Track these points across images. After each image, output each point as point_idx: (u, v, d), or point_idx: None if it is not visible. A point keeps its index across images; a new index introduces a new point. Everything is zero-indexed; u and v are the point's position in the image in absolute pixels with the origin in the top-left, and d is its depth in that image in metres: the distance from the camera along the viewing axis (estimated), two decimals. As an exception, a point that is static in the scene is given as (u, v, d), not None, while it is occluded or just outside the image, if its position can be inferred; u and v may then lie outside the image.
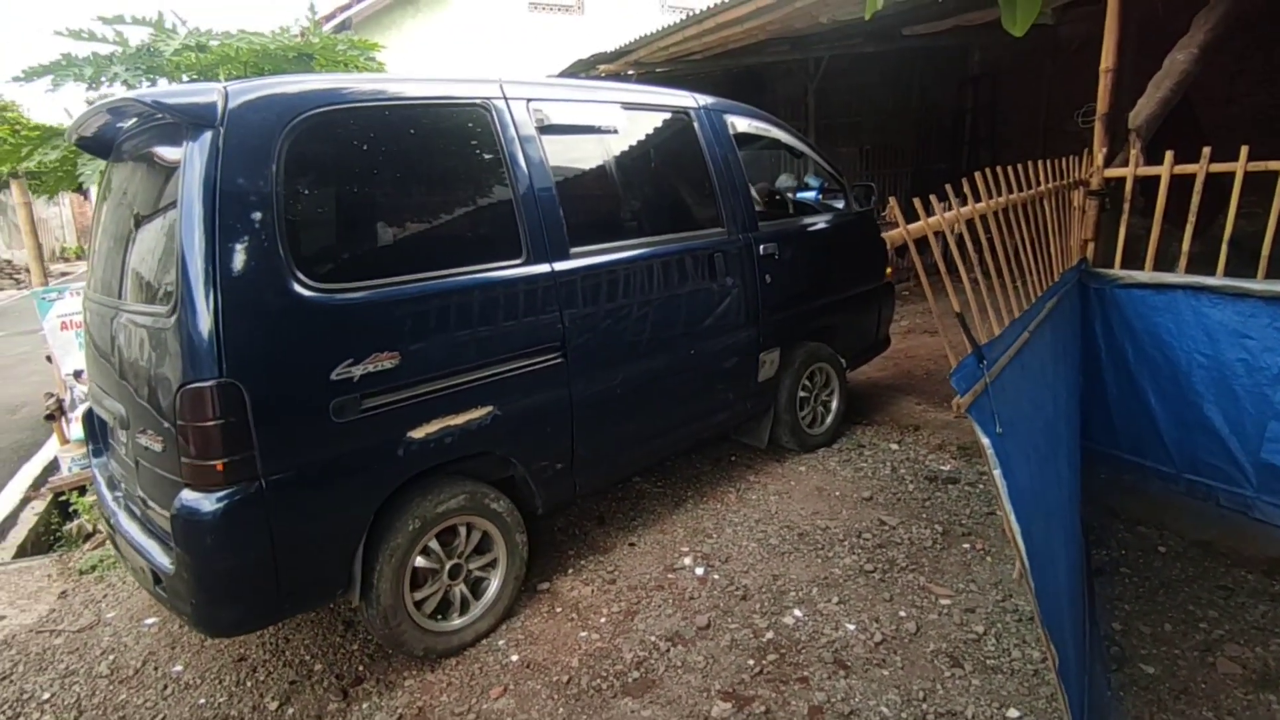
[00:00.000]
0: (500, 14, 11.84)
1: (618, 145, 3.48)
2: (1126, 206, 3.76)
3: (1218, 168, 3.40)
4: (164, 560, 2.41)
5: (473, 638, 2.89)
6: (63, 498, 4.49)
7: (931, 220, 2.26)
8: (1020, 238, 2.96)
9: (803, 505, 3.81)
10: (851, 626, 2.82)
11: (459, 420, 2.70)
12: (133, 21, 4.18)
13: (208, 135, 2.23)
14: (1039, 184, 3.26)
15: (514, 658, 2.78)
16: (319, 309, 2.36)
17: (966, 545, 3.36)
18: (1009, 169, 2.98)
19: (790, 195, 4.97)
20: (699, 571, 3.26)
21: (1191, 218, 3.47)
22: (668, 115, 3.71)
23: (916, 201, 2.25)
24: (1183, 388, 3.54)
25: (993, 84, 10.07)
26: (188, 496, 2.25)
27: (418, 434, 2.60)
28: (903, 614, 2.88)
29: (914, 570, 3.18)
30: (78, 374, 4.53)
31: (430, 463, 2.68)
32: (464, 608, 2.91)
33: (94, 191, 4.91)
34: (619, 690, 2.58)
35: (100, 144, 3.00)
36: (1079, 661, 2.22)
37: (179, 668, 2.88)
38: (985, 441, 1.91)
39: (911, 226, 2.15)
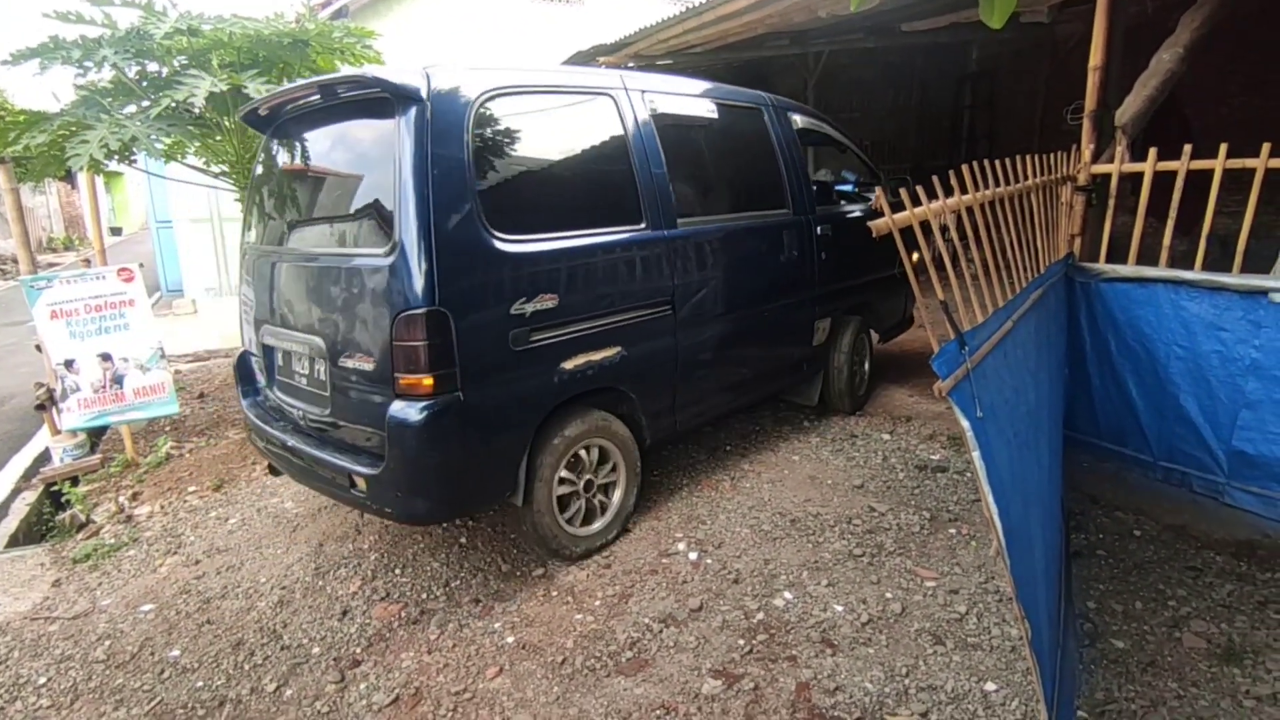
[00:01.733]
0: (501, 2, 11.81)
1: (708, 133, 4.02)
2: (1112, 202, 3.84)
3: (1197, 165, 3.48)
4: (363, 467, 2.88)
5: (601, 543, 3.44)
6: (55, 488, 4.50)
7: (918, 210, 2.31)
8: (1008, 231, 3.03)
9: (795, 493, 3.89)
10: (839, 608, 2.90)
11: (597, 357, 3.24)
12: (122, 4, 4.15)
13: (415, 109, 2.73)
14: (1027, 178, 3.33)
15: (510, 639, 2.85)
16: (502, 255, 2.89)
17: (953, 530, 3.45)
18: (998, 163, 3.05)
19: (833, 186, 5.37)
20: (692, 556, 3.33)
21: (1172, 213, 3.55)
22: (746, 109, 4.26)
23: (903, 192, 2.30)
24: (1161, 378, 3.64)
25: (990, 81, 10.14)
26: (398, 406, 2.75)
27: (568, 365, 3.14)
28: (889, 595, 2.96)
29: (901, 554, 3.27)
30: (69, 363, 4.53)
31: (575, 390, 3.20)
32: (595, 517, 3.46)
33: (82, 178, 4.89)
34: (612, 670, 2.65)
35: (265, 120, 3.54)
36: (1052, 636, 2.30)
37: (176, 652, 2.92)
38: (965, 424, 1.97)
39: (897, 216, 2.21)
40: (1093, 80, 3.88)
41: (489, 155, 2.94)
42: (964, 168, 2.67)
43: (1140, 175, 3.67)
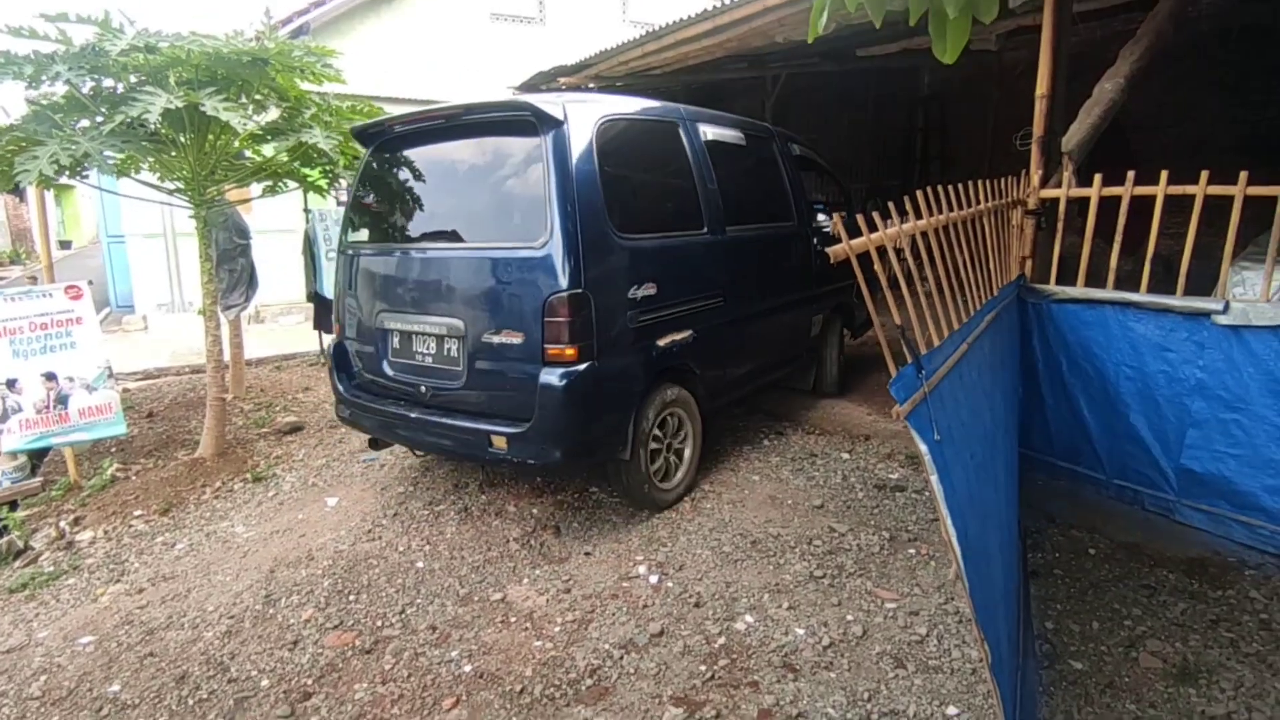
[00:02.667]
0: (462, 22, 11.78)
1: (737, 156, 4.68)
2: (1060, 225, 3.95)
3: (1140, 190, 3.60)
4: (503, 427, 3.46)
5: (674, 498, 4.05)
6: (-8, 512, 4.31)
7: (874, 236, 2.34)
8: (962, 253, 3.09)
9: (756, 513, 3.89)
10: (801, 631, 2.89)
11: (678, 337, 3.88)
12: (77, 20, 4.06)
13: (558, 131, 3.40)
14: (979, 202, 3.41)
15: (467, 668, 2.78)
16: (622, 248, 3.57)
17: (912, 550, 3.47)
18: (950, 188, 3.11)
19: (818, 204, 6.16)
20: (653, 580, 3.31)
21: (1118, 237, 3.66)
22: (762, 138, 5.04)
23: (859, 218, 2.33)
24: (1111, 398, 3.73)
25: (942, 105, 10.40)
26: (547, 372, 3.35)
27: (661, 342, 3.77)
28: (850, 618, 2.96)
29: (862, 575, 3.28)
30: (10, 383, 4.37)
31: (665, 364, 3.83)
32: (672, 474, 4.09)
33: (31, 192, 4.75)
34: (572, 698, 2.60)
35: (374, 135, 4.19)
36: (1012, 659, 2.31)
37: (116, 687, 2.79)
38: (923, 448, 1.98)
39: (854, 241, 2.23)
40: (1040, 108, 4.01)
41: (606, 167, 3.55)
42: (918, 193, 2.71)
43: (1087, 199, 3.78)
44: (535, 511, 4.04)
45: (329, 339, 7.94)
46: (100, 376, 4.63)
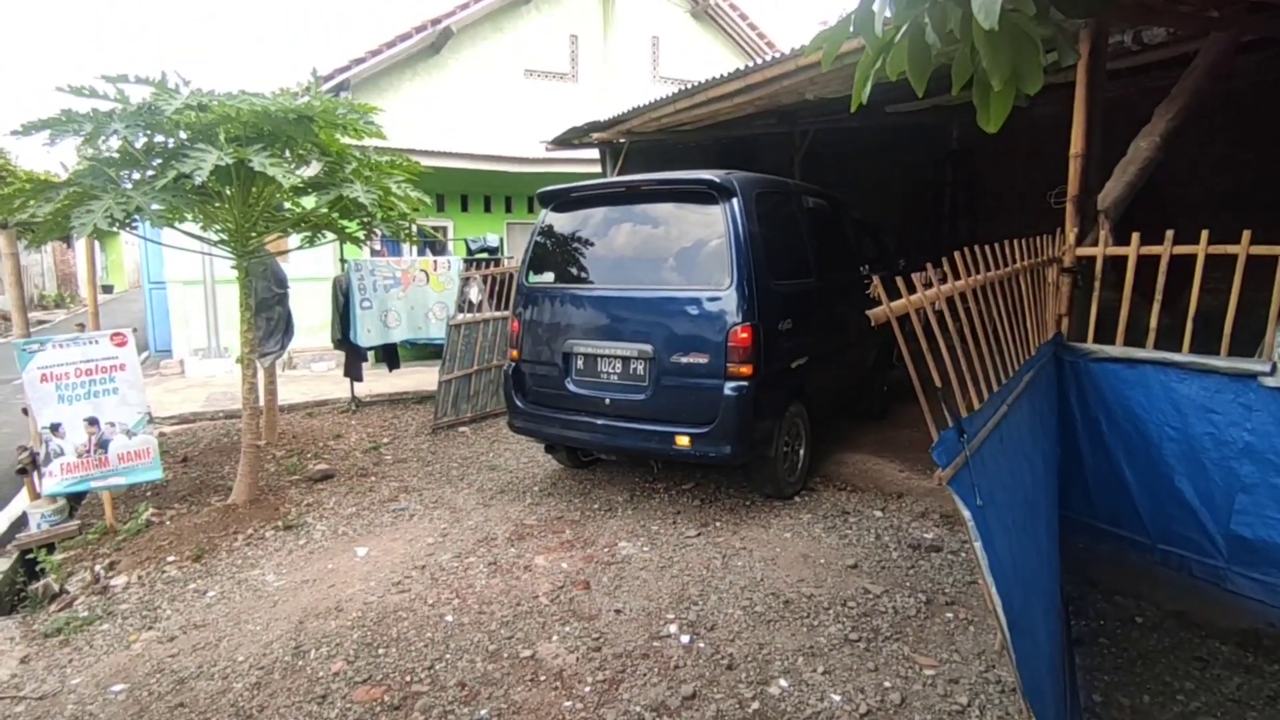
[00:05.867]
0: (496, 79, 12.13)
1: (823, 219, 5.72)
2: (1097, 284, 3.91)
3: (1180, 250, 3.56)
4: (686, 429, 4.40)
5: (795, 491, 5.00)
6: (29, 555, 4.36)
7: (914, 298, 2.35)
8: (998, 312, 3.07)
9: (788, 572, 3.82)
10: (837, 697, 2.81)
11: (801, 361, 4.85)
12: (135, 81, 4.25)
13: (734, 199, 4.42)
14: (1015, 261, 3.40)
15: (496, 728, 2.74)
16: (775, 291, 4.55)
17: (950, 614, 3.38)
18: (987, 248, 3.11)
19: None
20: (685, 639, 3.24)
21: (1158, 296, 3.61)
22: (834, 205, 5.98)
23: (899, 280, 2.34)
24: (1154, 460, 3.63)
25: (970, 159, 10.44)
26: (729, 385, 4.30)
27: (793, 365, 4.78)
28: (888, 684, 2.88)
29: (898, 639, 3.19)
30: (54, 427, 4.47)
31: (793, 383, 4.82)
32: (795, 471, 5.01)
33: (80, 241, 4.94)
34: (603, 762, 2.54)
35: (551, 197, 5.23)
36: (1063, 735, 2.23)
37: (147, 736, 2.79)
38: (966, 514, 1.95)
39: (894, 304, 2.24)
40: (1074, 167, 4.01)
41: (761, 228, 4.50)
42: (956, 254, 2.72)
43: (1123, 255, 3.75)
44: (565, 566, 4.00)
45: (359, 386, 8.12)
46: (140, 422, 4.72)
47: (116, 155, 4.46)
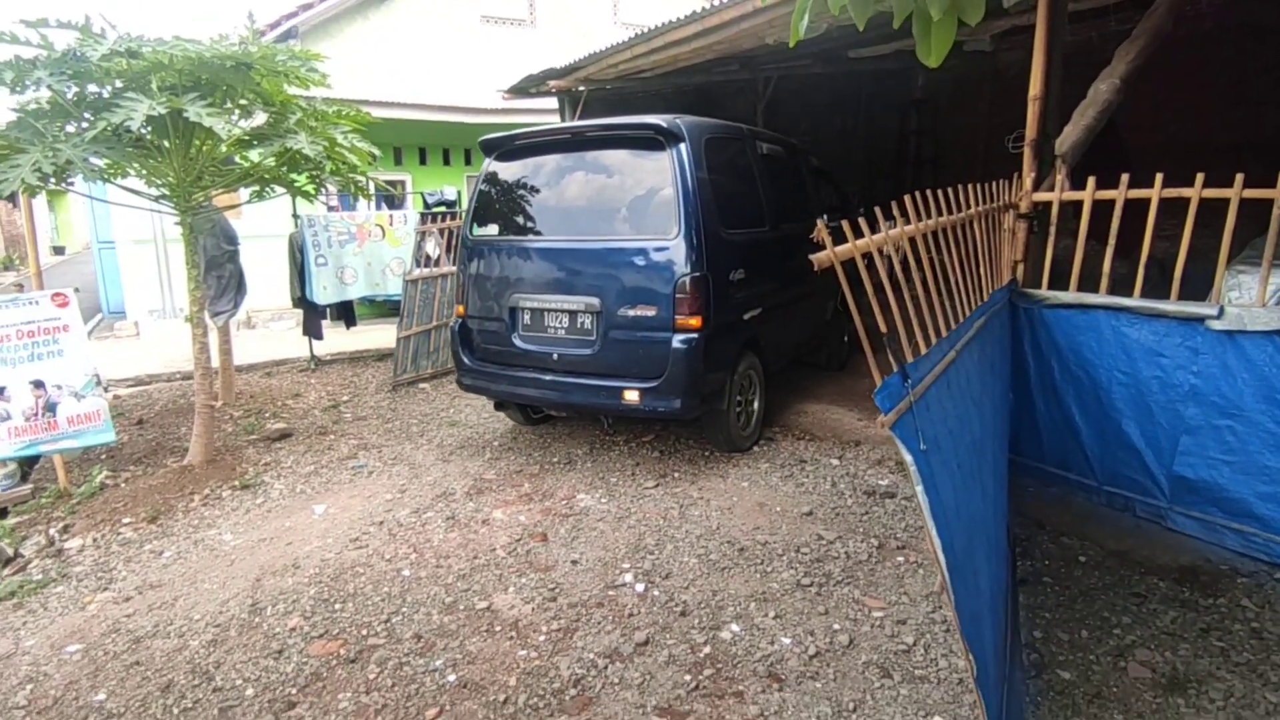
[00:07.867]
0: (452, 25, 11.70)
1: (779, 167, 5.54)
2: (1053, 229, 3.91)
3: (1135, 194, 3.56)
4: (635, 383, 4.27)
5: (750, 444, 4.95)
6: (-20, 520, 4.28)
7: (860, 242, 2.31)
8: (952, 259, 3.05)
9: (744, 520, 3.86)
10: (787, 640, 2.86)
11: (754, 312, 4.75)
12: (58, 25, 4.03)
13: (681, 145, 4.24)
14: (970, 207, 3.38)
15: (451, 678, 2.75)
16: (727, 241, 4.43)
17: (900, 558, 3.45)
18: (941, 192, 3.08)
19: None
20: (639, 588, 3.28)
21: (1112, 240, 3.63)
22: (790, 152, 5.84)
23: (845, 224, 2.30)
24: (1104, 404, 3.70)
25: (935, 106, 10.37)
26: (677, 338, 4.17)
27: (745, 317, 4.67)
28: (837, 627, 2.94)
29: (849, 583, 3.25)
30: (-1, 390, 4.35)
31: (746, 335, 4.70)
32: (749, 424, 4.94)
33: (20, 199, 4.74)
34: (555, 709, 2.57)
35: (494, 145, 4.99)
36: (999, 670, 2.29)
37: (101, 696, 2.77)
38: (909, 458, 1.95)
39: (839, 248, 2.20)
40: (1033, 110, 3.97)
41: (711, 175, 4.36)
42: (906, 198, 2.68)
43: (1081, 201, 3.75)
44: (523, 519, 4.01)
45: (319, 345, 7.98)
46: (88, 384, 4.61)
47: (46, 107, 4.25)
